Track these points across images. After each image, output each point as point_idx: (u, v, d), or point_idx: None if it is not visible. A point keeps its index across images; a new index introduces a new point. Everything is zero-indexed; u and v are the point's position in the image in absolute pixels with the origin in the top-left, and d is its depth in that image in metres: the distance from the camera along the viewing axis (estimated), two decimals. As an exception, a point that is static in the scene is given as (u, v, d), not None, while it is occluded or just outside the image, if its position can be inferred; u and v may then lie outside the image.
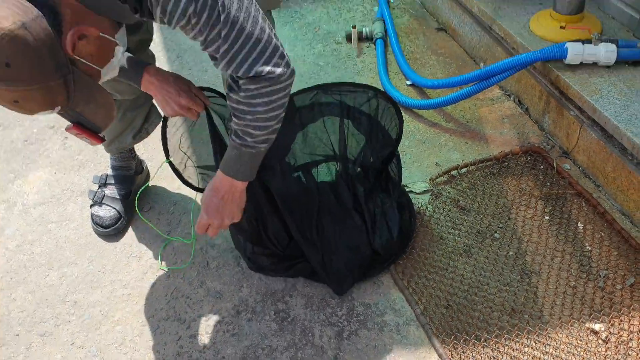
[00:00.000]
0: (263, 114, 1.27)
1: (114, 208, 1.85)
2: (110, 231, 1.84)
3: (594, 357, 1.43)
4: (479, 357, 1.46)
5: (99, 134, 1.23)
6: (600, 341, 1.47)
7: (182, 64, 2.59)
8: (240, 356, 1.52)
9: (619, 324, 1.50)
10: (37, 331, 1.63)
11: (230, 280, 1.70)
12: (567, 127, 1.92)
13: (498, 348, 1.47)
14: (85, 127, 1.20)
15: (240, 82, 1.25)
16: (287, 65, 1.25)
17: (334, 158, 1.69)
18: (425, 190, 1.90)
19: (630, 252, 1.65)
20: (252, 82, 1.23)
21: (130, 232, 1.87)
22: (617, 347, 1.45)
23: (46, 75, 1.06)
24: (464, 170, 1.95)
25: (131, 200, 1.87)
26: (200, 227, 1.46)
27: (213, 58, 1.23)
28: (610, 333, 1.48)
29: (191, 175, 1.73)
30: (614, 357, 1.43)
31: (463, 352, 1.47)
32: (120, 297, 1.69)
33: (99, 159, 2.13)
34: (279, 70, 1.22)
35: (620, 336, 1.47)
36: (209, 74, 2.52)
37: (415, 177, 1.95)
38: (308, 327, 1.57)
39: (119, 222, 1.85)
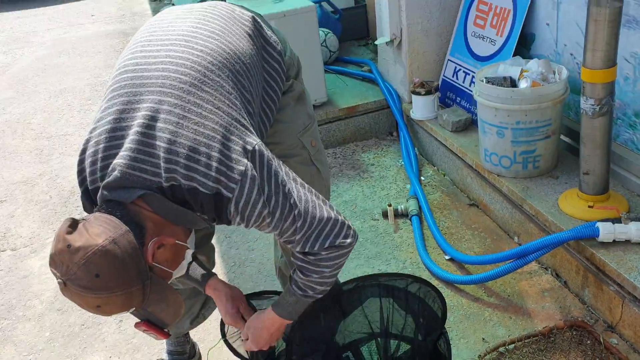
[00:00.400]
0: (328, 273, 1.41)
1: (168, 394, 1.90)
2: (165, 419, 1.87)
3: None
4: None
5: (165, 330, 1.33)
6: None
7: (230, 243, 2.75)
8: None
9: None
10: None
11: None
12: (608, 301, 1.96)
13: None
14: (153, 324, 1.31)
15: None
16: (354, 234, 1.41)
17: (376, 335, 1.75)
18: (475, 370, 1.91)
19: None
20: (324, 250, 1.37)
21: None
22: None
23: (129, 283, 1.19)
24: (511, 346, 1.97)
25: (185, 386, 1.91)
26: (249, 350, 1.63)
27: (289, 242, 1.36)
28: None
29: (238, 347, 1.81)
30: None
31: None
32: None
33: (153, 342, 2.20)
34: (348, 240, 1.38)
35: None
36: (255, 253, 2.66)
37: (464, 355, 1.97)
38: None
39: (173, 409, 1.88)
